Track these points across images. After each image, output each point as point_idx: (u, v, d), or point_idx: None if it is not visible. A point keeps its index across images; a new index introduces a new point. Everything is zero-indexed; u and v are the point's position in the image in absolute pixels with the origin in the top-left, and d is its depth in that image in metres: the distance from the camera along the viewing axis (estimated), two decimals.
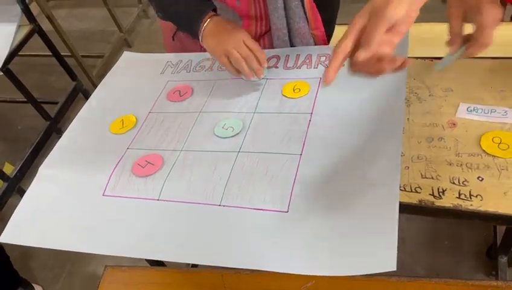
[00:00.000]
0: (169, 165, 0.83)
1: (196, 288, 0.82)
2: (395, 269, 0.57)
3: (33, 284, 1.72)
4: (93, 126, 0.98)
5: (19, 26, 1.88)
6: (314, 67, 0.97)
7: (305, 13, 0.96)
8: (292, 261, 0.64)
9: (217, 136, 0.87)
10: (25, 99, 2.18)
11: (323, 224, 0.67)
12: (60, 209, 0.82)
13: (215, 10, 0.95)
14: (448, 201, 0.73)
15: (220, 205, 0.75)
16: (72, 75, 2.25)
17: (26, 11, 1.87)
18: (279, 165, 0.78)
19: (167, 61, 1.11)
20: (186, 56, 1.11)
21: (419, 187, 0.76)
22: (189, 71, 1.06)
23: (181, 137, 0.88)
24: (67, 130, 0.98)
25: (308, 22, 0.98)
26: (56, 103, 2.21)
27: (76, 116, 1.02)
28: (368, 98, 0.84)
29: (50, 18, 2.07)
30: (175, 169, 0.82)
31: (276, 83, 0.95)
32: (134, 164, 0.85)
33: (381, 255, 0.60)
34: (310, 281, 0.77)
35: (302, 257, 0.65)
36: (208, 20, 0.92)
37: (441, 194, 0.74)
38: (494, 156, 0.77)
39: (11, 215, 0.83)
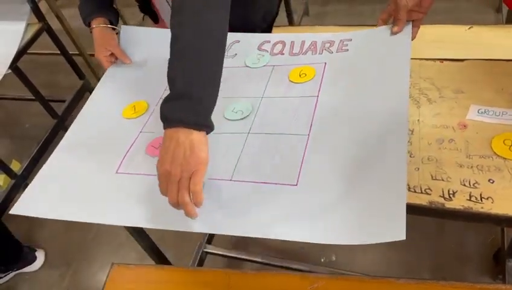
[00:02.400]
0: None
1: (202, 287, 0.82)
2: (404, 238, 0.58)
3: (36, 249, 1.82)
4: (106, 111, 1.02)
5: (28, 25, 1.88)
6: (319, 53, 0.99)
7: None
8: (300, 230, 0.67)
9: (227, 119, 0.90)
10: (33, 97, 2.19)
11: (331, 196, 0.70)
12: (72, 184, 0.86)
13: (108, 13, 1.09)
14: (458, 203, 0.72)
15: (231, 180, 0.78)
16: (80, 74, 2.25)
17: (35, 10, 1.88)
18: (288, 144, 0.81)
19: None
20: None
21: (429, 189, 0.75)
22: None
23: None
24: (79, 114, 1.02)
25: None
26: (63, 101, 2.22)
27: (87, 101, 1.06)
28: (372, 81, 0.86)
29: (59, 17, 2.07)
30: None
31: (283, 69, 0.98)
32: (147, 145, 0.89)
33: (391, 225, 0.61)
34: (316, 282, 0.76)
35: (310, 227, 0.67)
36: (94, 27, 1.08)
37: (451, 196, 0.73)
38: (505, 159, 0.76)
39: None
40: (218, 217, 0.73)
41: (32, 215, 0.82)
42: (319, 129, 0.82)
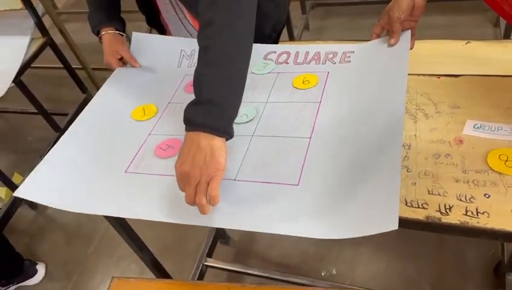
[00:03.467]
0: None
1: None
2: (396, 227, 0.61)
3: (37, 262, 1.82)
4: (114, 111, 1.05)
5: (32, 39, 1.91)
6: (322, 63, 1.03)
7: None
8: (301, 226, 0.70)
9: None
10: (36, 111, 2.21)
11: (330, 194, 0.74)
12: (80, 180, 0.88)
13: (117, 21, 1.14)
14: (455, 218, 0.73)
15: (235, 180, 0.82)
16: (83, 88, 2.28)
17: (39, 25, 1.91)
18: (290, 147, 0.85)
19: (181, 50, 1.16)
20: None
21: (426, 203, 0.76)
22: None
23: None
24: (84, 110, 1.04)
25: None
26: (66, 115, 2.24)
27: (96, 95, 1.09)
28: (372, 89, 0.89)
29: (62, 31, 2.10)
30: None
31: (287, 76, 1.02)
32: (156, 147, 0.93)
33: (385, 217, 0.64)
34: None
35: (309, 223, 0.70)
36: (103, 33, 1.13)
37: (447, 210, 0.74)
38: (501, 174, 0.77)
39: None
40: (223, 213, 0.76)
41: (36, 201, 0.84)
42: (321, 133, 0.86)
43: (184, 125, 0.76)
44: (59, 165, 0.92)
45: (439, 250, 1.57)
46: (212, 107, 0.72)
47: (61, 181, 0.89)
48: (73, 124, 1.01)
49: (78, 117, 1.03)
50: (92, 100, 1.07)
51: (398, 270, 1.55)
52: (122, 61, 1.16)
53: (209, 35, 0.76)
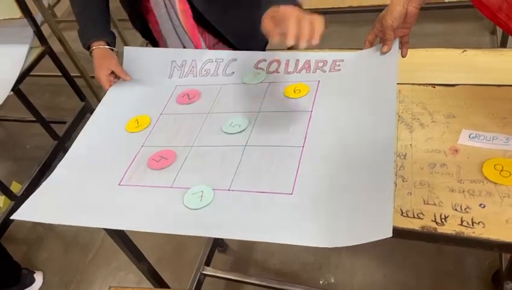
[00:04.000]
0: (182, 159, 0.91)
1: None
2: (390, 235, 0.62)
3: (34, 271, 1.82)
4: (110, 125, 1.06)
5: (31, 48, 1.92)
6: (313, 72, 1.04)
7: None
8: (295, 235, 0.71)
9: (225, 132, 0.94)
10: (34, 119, 2.21)
11: (324, 203, 0.74)
12: (74, 195, 0.89)
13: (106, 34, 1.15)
14: (450, 228, 0.73)
15: (229, 190, 0.82)
16: (81, 96, 2.28)
17: (38, 34, 1.92)
18: (283, 156, 0.86)
19: (172, 61, 1.17)
20: (189, 55, 1.16)
21: (421, 213, 0.76)
22: (196, 76, 1.13)
23: (192, 135, 0.96)
24: (83, 129, 1.06)
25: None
26: (64, 123, 2.24)
27: (92, 116, 1.10)
28: (362, 98, 0.91)
29: (61, 40, 2.11)
30: (187, 162, 0.90)
31: (278, 85, 1.03)
32: (149, 159, 0.93)
33: (379, 225, 0.65)
34: None
35: (302, 231, 0.71)
36: (94, 48, 1.13)
37: (443, 220, 0.74)
38: (496, 183, 0.77)
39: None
40: (218, 222, 0.77)
41: (34, 221, 0.87)
42: (313, 141, 0.87)
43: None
44: (57, 187, 0.93)
45: (437, 258, 1.57)
46: None
47: (59, 198, 0.89)
48: (73, 144, 1.02)
49: (76, 139, 1.04)
50: (88, 122, 1.08)
51: (397, 279, 1.55)
52: (114, 75, 1.16)
53: None
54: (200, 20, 1.12)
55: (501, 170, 0.79)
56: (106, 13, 1.19)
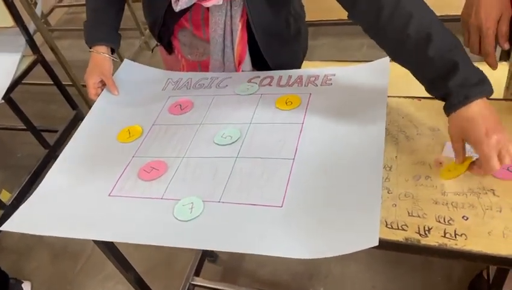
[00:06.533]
0: (173, 170, 0.91)
1: None
2: (376, 244, 0.65)
3: (22, 281, 1.79)
4: (101, 134, 1.05)
5: (23, 57, 1.92)
6: (304, 86, 1.05)
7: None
8: (281, 247, 0.72)
9: (217, 144, 0.94)
10: (25, 127, 2.21)
11: (313, 216, 0.75)
12: (64, 205, 0.89)
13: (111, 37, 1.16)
14: (433, 240, 0.74)
15: (219, 202, 0.82)
16: (73, 104, 2.28)
17: (31, 42, 1.92)
18: (274, 168, 0.86)
19: (168, 78, 1.18)
20: (186, 75, 1.18)
21: (405, 225, 0.77)
22: (190, 88, 1.13)
23: (183, 146, 0.96)
24: (73, 137, 1.06)
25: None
26: (56, 131, 2.24)
27: (82, 123, 1.09)
28: (353, 112, 0.93)
29: (53, 49, 2.11)
30: (178, 173, 0.90)
31: (270, 97, 1.04)
32: (140, 169, 0.93)
33: (364, 234, 0.67)
34: None
35: (291, 243, 0.71)
36: (93, 51, 1.14)
37: (426, 232, 0.75)
38: (479, 196, 0.78)
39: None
40: (207, 234, 0.77)
41: (23, 232, 0.85)
42: (304, 154, 0.87)
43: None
44: (47, 197, 0.92)
45: (426, 270, 1.58)
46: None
47: (48, 209, 0.89)
48: (62, 153, 1.02)
49: (66, 146, 1.04)
50: (77, 130, 1.08)
51: (385, 289, 1.55)
52: (103, 83, 1.16)
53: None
54: (252, 49, 1.10)
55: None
56: (118, 18, 1.19)
